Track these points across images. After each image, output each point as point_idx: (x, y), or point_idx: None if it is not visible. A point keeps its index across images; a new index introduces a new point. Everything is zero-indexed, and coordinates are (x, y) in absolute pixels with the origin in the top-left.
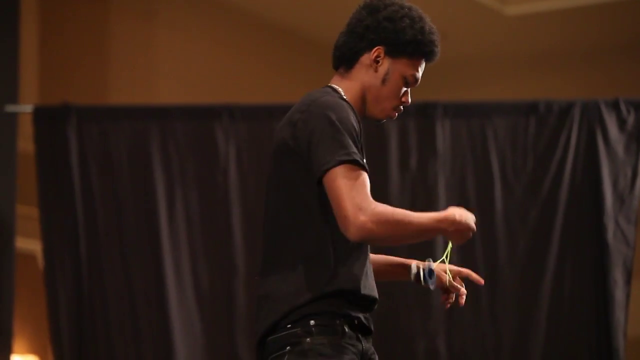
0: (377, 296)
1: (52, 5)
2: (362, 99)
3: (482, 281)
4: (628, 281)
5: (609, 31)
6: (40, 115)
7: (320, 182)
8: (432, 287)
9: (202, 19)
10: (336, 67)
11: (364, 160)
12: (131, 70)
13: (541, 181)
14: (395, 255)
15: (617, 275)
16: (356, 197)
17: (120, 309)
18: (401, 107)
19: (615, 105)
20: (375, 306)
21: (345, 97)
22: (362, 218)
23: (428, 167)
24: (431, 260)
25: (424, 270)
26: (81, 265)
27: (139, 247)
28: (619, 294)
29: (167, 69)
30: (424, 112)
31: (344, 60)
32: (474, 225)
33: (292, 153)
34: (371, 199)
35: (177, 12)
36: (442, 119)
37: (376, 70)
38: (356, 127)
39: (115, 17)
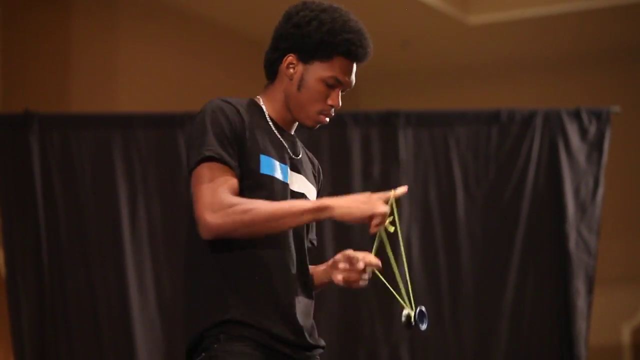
0: (289, 337)
1: (14, 13)
2: (287, 107)
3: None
4: (590, 290)
5: (571, 41)
6: (2, 123)
7: None
8: (423, 327)
9: (163, 28)
10: (267, 79)
11: (229, 151)
12: (93, 79)
13: (503, 190)
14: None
15: (579, 285)
16: (206, 196)
17: (82, 316)
18: (331, 110)
19: (577, 115)
20: (287, 349)
21: (229, 101)
22: (207, 217)
23: (391, 176)
24: (423, 307)
25: (415, 315)
26: (43, 272)
27: (101, 255)
28: (581, 303)
29: (129, 77)
30: (386, 121)
31: (267, 72)
32: (371, 207)
33: None
34: (223, 194)
35: (138, 21)
36: (404, 127)
37: (291, 78)
38: (226, 122)
39: (77, 25)
